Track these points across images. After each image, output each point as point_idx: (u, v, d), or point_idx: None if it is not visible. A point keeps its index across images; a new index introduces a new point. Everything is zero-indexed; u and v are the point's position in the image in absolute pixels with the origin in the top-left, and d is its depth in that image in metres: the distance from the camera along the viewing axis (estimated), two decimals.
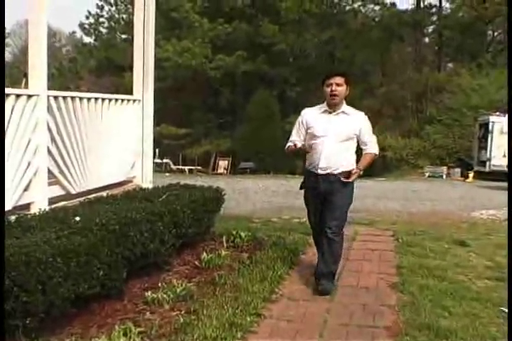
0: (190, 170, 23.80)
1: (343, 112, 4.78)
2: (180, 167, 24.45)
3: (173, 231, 4.95)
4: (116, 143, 6.01)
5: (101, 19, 31.32)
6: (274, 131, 22.24)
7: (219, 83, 27.43)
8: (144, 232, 4.40)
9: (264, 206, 10.61)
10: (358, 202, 10.59)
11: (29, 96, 4.58)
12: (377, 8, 32.94)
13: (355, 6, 32.07)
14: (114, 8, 31.23)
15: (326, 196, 4.79)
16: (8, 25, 36.14)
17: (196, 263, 5.26)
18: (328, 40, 29.34)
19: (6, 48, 35.77)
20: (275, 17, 28.01)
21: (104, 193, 5.48)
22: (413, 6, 32.36)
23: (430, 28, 34.78)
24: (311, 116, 4.86)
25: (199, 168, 24.59)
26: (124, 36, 30.23)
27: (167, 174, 20.67)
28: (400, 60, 33.33)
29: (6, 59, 35.07)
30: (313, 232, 5.26)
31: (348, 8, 32.20)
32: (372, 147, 4.89)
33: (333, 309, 4.35)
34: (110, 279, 3.95)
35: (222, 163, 24.66)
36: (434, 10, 32.77)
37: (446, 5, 32.86)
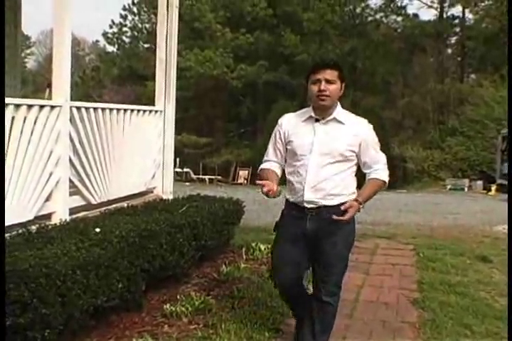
0: (211, 180, 23.84)
1: (335, 120, 3.41)
2: (200, 176, 24.50)
3: (192, 244, 4.94)
4: (137, 154, 6.02)
5: (124, 28, 31.63)
6: None
7: (240, 93, 27.51)
8: (163, 245, 4.40)
9: None
10: (378, 215, 10.60)
11: (52, 107, 4.60)
12: (399, 19, 32.89)
13: (378, 17, 32.05)
14: (137, 18, 31.54)
15: (316, 242, 3.43)
16: (34, 34, 36.66)
17: (215, 275, 5.24)
18: (349, 51, 29.31)
19: (31, 57, 36.28)
20: (297, 27, 28.07)
21: (124, 204, 5.49)
22: (436, 17, 32.26)
23: (453, 39, 34.61)
24: (291, 125, 3.51)
25: (219, 177, 24.62)
26: (146, 45, 30.49)
27: (187, 183, 20.72)
28: (422, 70, 33.15)
29: (31, 67, 35.56)
30: (283, 294, 3.82)
31: (370, 19, 32.17)
32: (380, 171, 3.50)
33: (353, 325, 4.29)
34: (129, 292, 3.94)
35: (242, 173, 24.66)
36: (457, 21, 32.62)
37: (469, 16, 32.67)
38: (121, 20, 31.42)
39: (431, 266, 6.12)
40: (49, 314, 3.25)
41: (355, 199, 3.35)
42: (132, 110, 5.90)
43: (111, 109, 5.52)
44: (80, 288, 3.40)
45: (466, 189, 21.34)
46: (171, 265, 4.60)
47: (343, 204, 3.35)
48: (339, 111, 3.45)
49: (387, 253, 6.83)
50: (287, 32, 27.63)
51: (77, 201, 5.10)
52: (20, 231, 4.04)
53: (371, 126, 3.52)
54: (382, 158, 3.55)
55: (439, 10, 32.71)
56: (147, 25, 30.91)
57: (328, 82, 3.33)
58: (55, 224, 4.39)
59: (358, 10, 31.75)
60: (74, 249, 3.63)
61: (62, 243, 3.75)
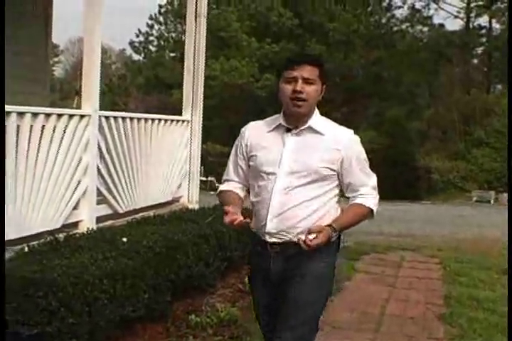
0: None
1: (310, 129, 2.65)
2: None
3: (218, 254, 4.94)
4: (164, 163, 6.05)
5: (150, 38, 31.93)
6: None
7: (265, 102, 27.54)
8: (189, 255, 4.40)
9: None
10: (403, 226, 10.52)
11: (81, 117, 4.64)
12: (425, 29, 32.77)
13: (403, 27, 31.96)
14: (163, 27, 31.82)
15: (281, 284, 2.67)
16: (61, 42, 37.22)
17: (240, 286, 5.22)
18: (375, 61, 29.24)
19: (59, 65, 36.78)
20: (323, 37, 28.10)
21: (150, 213, 5.51)
22: (462, 27, 32.07)
23: (479, 50, 34.37)
24: (255, 136, 2.75)
25: None
26: (172, 54, 30.73)
27: (211, 192, 20.73)
28: (447, 81, 32.94)
29: (59, 75, 36.06)
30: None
31: (395, 29, 32.09)
32: (367, 197, 2.71)
33: (378, 340, 4.24)
34: (155, 302, 3.93)
35: None
36: (483, 31, 32.39)
37: (496, 26, 32.45)
38: (148, 29, 31.75)
39: (458, 280, 6.04)
40: (76, 323, 3.26)
41: (329, 225, 2.54)
42: (160, 120, 5.93)
43: (139, 119, 5.55)
44: (107, 298, 3.41)
45: (492, 201, 21.09)
46: (197, 275, 4.59)
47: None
48: (317, 119, 2.68)
49: (413, 266, 6.76)
50: (313, 42, 27.65)
51: (104, 210, 5.13)
52: (48, 239, 4.07)
53: (357, 138, 2.74)
54: (372, 180, 2.75)
55: (465, 20, 32.57)
56: (173, 35, 31.17)
57: (306, 81, 2.58)
58: (83, 232, 4.41)
59: (384, 20, 31.70)
60: (101, 259, 3.65)
61: (90, 252, 3.77)
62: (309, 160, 2.60)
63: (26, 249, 3.80)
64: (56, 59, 40.68)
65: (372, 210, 2.71)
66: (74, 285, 3.27)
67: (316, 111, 2.70)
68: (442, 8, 33.43)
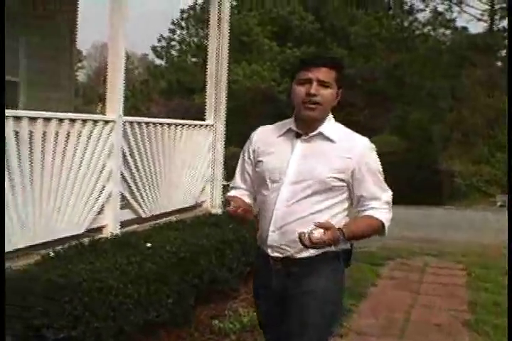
0: None
1: (321, 135, 2.50)
2: None
3: (241, 259, 4.94)
4: (187, 168, 6.07)
5: (172, 42, 32.10)
6: None
7: (286, 106, 27.56)
8: (212, 260, 4.41)
9: None
10: (426, 232, 10.40)
11: (106, 122, 4.68)
12: (448, 32, 32.52)
13: (426, 30, 31.75)
14: (185, 32, 31.97)
15: (283, 301, 2.52)
16: (84, 47, 37.58)
17: None
18: (397, 64, 29.08)
19: (82, 70, 37.15)
20: (344, 41, 28.03)
21: (173, 218, 5.54)
22: (485, 30, 31.78)
23: (503, 52, 33.99)
24: (263, 141, 2.62)
25: None
26: (194, 59, 30.85)
27: None
28: (470, 84, 32.63)
29: (82, 80, 36.41)
30: None
31: (417, 32, 31.89)
32: (378, 210, 2.50)
33: None
34: (178, 307, 3.95)
35: None
36: (507, 33, 32.04)
37: None
38: (170, 34, 31.92)
39: (483, 287, 5.97)
40: (101, 327, 3.29)
41: (339, 228, 2.32)
42: (183, 125, 5.96)
43: (162, 124, 5.58)
44: (131, 303, 3.43)
45: None
46: (220, 280, 4.60)
47: (322, 254, 2.40)
48: (329, 125, 2.52)
49: (437, 272, 6.69)
50: (334, 46, 27.60)
51: (127, 214, 5.15)
52: (73, 243, 4.10)
53: (373, 146, 2.54)
54: (386, 194, 2.53)
55: (488, 22, 32.25)
56: (195, 39, 31.30)
57: (321, 84, 2.42)
58: (107, 237, 4.44)
59: (406, 23, 31.53)
60: (125, 263, 3.67)
61: (114, 257, 3.79)
62: (316, 169, 2.43)
63: (52, 254, 3.83)
64: (79, 64, 41.14)
65: (383, 224, 2.48)
66: (99, 290, 3.30)
67: (330, 117, 2.55)
68: (465, 11, 33.17)
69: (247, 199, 2.64)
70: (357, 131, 2.57)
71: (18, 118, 3.83)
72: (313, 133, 2.49)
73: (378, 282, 5.87)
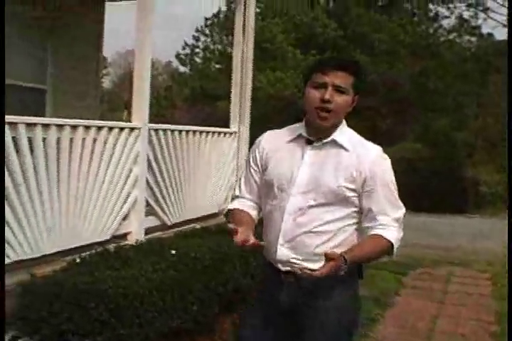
0: None
1: (334, 143, 2.35)
2: None
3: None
4: (211, 175, 6.09)
5: (196, 50, 32.29)
6: None
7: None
8: (237, 268, 4.40)
9: None
10: (451, 240, 10.29)
11: (131, 129, 4.71)
12: (473, 39, 32.26)
13: (451, 37, 31.53)
14: (209, 39, 32.15)
15: (292, 317, 2.38)
16: (109, 54, 37.93)
17: None
18: (421, 71, 28.91)
19: (107, 77, 37.51)
20: (367, 48, 27.94)
21: (197, 225, 5.55)
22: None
23: None
24: (271, 146, 2.46)
25: None
26: (218, 66, 31.00)
27: None
28: (496, 91, 32.30)
29: (107, 86, 36.76)
30: None
31: (442, 39, 31.68)
32: (387, 228, 2.31)
33: None
34: (203, 315, 3.94)
35: None
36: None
37: None
38: (194, 41, 32.12)
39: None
40: (126, 334, 3.30)
41: (341, 254, 2.14)
42: (208, 132, 5.98)
43: (187, 131, 5.61)
44: (156, 310, 3.44)
45: None
46: (244, 288, 4.59)
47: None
48: (342, 132, 2.36)
49: (462, 282, 6.62)
50: (357, 53, 27.53)
51: (152, 221, 5.18)
52: (98, 250, 4.13)
53: (387, 157, 2.36)
54: (397, 211, 2.34)
55: None
56: (219, 47, 31.45)
57: (337, 89, 2.26)
58: (132, 244, 4.47)
59: (431, 30, 31.36)
60: (151, 271, 3.69)
61: (140, 264, 3.81)
62: (328, 178, 2.28)
63: (78, 260, 3.86)
64: (104, 71, 41.56)
65: (392, 244, 2.29)
66: (124, 297, 3.32)
67: (344, 123, 2.40)
68: (491, 18, 32.83)
69: (252, 211, 2.49)
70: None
71: (46, 126, 3.88)
72: (326, 140, 2.33)
73: (402, 291, 5.82)
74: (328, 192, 2.27)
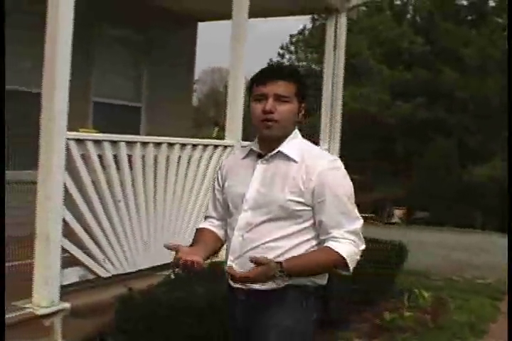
0: (365, 218, 23.47)
1: (281, 155, 2.24)
2: None
3: (353, 287, 4.84)
4: None
5: None
6: (452, 182, 21.40)
7: (396, 130, 27.15)
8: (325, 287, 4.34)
9: (442, 262, 10.10)
10: None
11: (225, 147, 4.77)
12: None
13: None
14: (294, 56, 32.39)
15: (247, 335, 2.29)
16: (197, 72, 39.00)
17: (377, 321, 5.08)
18: None
19: (194, 94, 38.46)
20: (456, 63, 27.28)
21: None
22: None
23: None
24: (230, 164, 2.43)
25: (372, 215, 24.26)
26: None
27: None
28: None
29: (194, 103, 37.67)
30: None
31: None
32: (339, 241, 2.15)
33: None
34: None
35: (398, 212, 24.07)
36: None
37: None
38: (279, 58, 32.45)
39: None
40: None
41: (278, 261, 2.06)
42: None
43: None
44: None
45: None
46: (331, 308, 4.52)
47: (285, 288, 2.14)
48: (292, 143, 2.25)
49: None
50: (446, 68, 26.95)
51: None
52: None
53: (339, 167, 2.25)
54: (352, 223, 2.20)
55: None
56: (303, 63, 31.64)
57: (278, 99, 2.19)
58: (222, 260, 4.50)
59: None
60: None
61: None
62: (276, 192, 2.18)
63: (172, 276, 3.92)
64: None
65: (342, 257, 2.11)
66: (219, 314, 3.33)
67: (295, 134, 2.28)
68: None
69: (218, 230, 2.41)
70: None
71: (144, 144, 4.00)
72: (272, 152, 2.24)
73: (499, 318, 5.56)
74: (276, 207, 2.17)
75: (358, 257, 2.18)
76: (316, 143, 6.50)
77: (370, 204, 25.66)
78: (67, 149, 3.44)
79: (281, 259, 2.09)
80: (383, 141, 28.22)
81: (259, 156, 2.27)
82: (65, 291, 3.46)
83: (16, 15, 5.52)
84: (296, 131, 2.30)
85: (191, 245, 2.32)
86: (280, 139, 2.24)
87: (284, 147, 2.23)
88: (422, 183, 23.28)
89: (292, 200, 2.16)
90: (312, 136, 6.48)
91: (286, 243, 2.17)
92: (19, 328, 3.16)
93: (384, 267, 5.47)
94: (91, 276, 3.70)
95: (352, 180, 2.30)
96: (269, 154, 2.24)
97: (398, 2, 29.73)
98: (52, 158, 3.35)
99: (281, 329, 2.18)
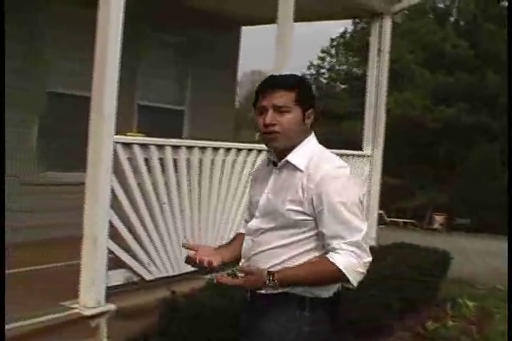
0: (404, 223, 23.19)
1: (289, 164, 2.21)
2: (394, 219, 23.96)
3: (397, 295, 4.79)
4: None
5: (321, 70, 32.49)
6: (495, 188, 20.97)
7: (438, 135, 26.78)
8: (369, 296, 4.31)
9: (486, 270, 9.90)
10: None
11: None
12: None
13: None
14: (334, 60, 32.25)
15: (250, 336, 2.28)
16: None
17: (420, 330, 5.01)
18: None
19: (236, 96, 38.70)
20: (499, 67, 26.78)
21: None
22: None
23: None
24: (256, 172, 2.51)
25: (413, 221, 23.93)
26: (343, 86, 31.00)
27: (381, 226, 20.36)
28: None
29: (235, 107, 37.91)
30: None
31: None
32: (338, 253, 2.07)
33: None
34: None
35: (438, 218, 23.71)
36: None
37: None
38: (319, 61, 32.35)
39: None
40: None
41: (269, 271, 2.07)
42: (341, 155, 5.94)
43: None
44: None
45: None
46: (375, 316, 4.49)
47: (286, 293, 2.13)
48: (301, 151, 2.21)
49: None
50: (489, 72, 26.47)
51: None
52: (231, 271, 4.18)
53: (341, 175, 2.17)
54: (354, 233, 2.09)
55: None
56: (344, 67, 31.47)
57: (278, 110, 2.17)
58: None
59: None
60: None
61: None
62: (278, 201, 2.18)
63: (214, 280, 3.93)
64: None
65: (338, 269, 2.04)
66: None
67: (307, 141, 2.24)
68: None
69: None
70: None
71: (189, 148, 4.03)
72: (281, 162, 2.23)
73: None
74: (278, 215, 2.17)
75: (362, 270, 2.09)
76: (359, 148, 6.48)
77: (411, 210, 25.38)
78: (114, 152, 3.48)
79: (283, 266, 2.12)
80: (425, 146, 27.86)
81: (275, 165, 2.27)
82: (111, 293, 3.49)
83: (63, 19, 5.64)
84: (310, 138, 2.26)
85: (220, 247, 2.43)
86: (290, 148, 2.21)
87: (292, 156, 2.20)
88: (464, 189, 22.90)
89: (292, 210, 2.14)
90: (354, 141, 6.46)
91: (291, 251, 2.16)
92: (66, 328, 3.21)
93: (427, 274, 5.40)
94: (136, 278, 3.73)
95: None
96: (279, 164, 2.24)
97: (441, 5, 29.34)
98: (100, 161, 3.39)
99: (268, 336, 2.17)
